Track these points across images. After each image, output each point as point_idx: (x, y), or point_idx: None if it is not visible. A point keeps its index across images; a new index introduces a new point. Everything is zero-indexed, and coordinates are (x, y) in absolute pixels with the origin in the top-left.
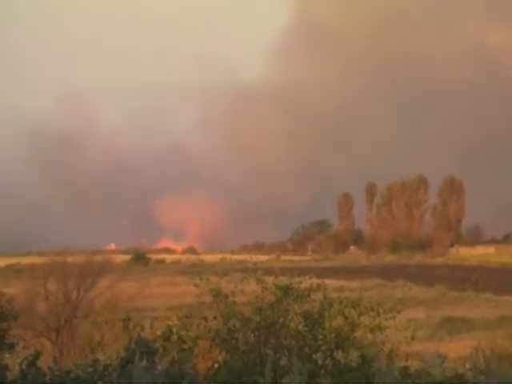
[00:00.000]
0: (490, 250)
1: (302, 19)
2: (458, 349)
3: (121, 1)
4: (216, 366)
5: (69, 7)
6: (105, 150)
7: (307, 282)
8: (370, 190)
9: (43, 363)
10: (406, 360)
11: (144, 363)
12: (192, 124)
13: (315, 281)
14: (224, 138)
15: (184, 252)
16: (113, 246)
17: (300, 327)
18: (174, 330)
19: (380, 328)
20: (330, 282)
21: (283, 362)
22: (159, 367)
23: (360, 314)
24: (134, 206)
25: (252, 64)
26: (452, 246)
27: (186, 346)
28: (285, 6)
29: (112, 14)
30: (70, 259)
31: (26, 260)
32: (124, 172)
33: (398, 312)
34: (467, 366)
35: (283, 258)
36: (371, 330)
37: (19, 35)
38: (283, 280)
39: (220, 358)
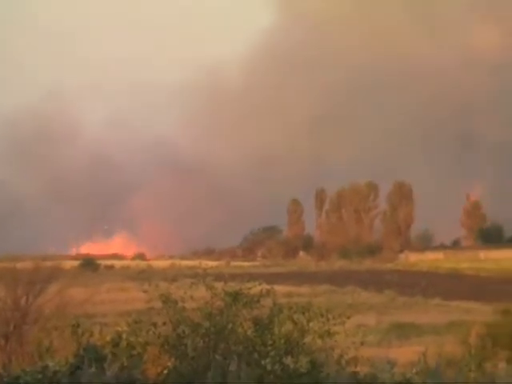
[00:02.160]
0: (439, 255)
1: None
2: (407, 354)
3: (107, 1)
4: (165, 371)
5: (55, 5)
6: (84, 149)
7: (257, 288)
8: (320, 196)
9: None
10: (356, 365)
11: (93, 369)
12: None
13: (265, 286)
14: (191, 143)
15: (133, 258)
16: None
17: (249, 333)
18: (124, 335)
19: (329, 334)
20: (280, 288)
21: (232, 367)
22: (108, 373)
23: (309, 320)
24: (84, 215)
25: (235, 64)
26: (401, 251)
27: (135, 352)
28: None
29: (98, 15)
30: (19, 265)
31: None
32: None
33: (348, 317)
34: (414, 370)
35: (233, 263)
36: (321, 336)
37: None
38: (233, 286)
39: (169, 364)
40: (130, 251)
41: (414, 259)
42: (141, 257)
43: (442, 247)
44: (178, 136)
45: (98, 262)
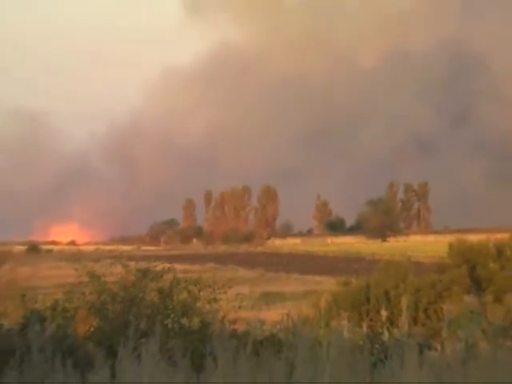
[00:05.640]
0: (298, 241)
1: None
2: (273, 315)
3: None
4: (91, 329)
5: None
6: None
7: (160, 266)
8: (208, 196)
9: None
10: (235, 324)
11: (37, 328)
12: None
13: (166, 265)
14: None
15: (68, 244)
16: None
17: (155, 300)
18: (60, 302)
19: (215, 300)
20: (178, 266)
21: (142, 326)
22: (48, 331)
23: (200, 290)
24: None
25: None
26: (269, 238)
27: (68, 315)
28: None
29: None
30: None
31: None
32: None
33: (229, 288)
34: (279, 327)
35: (143, 248)
36: (209, 302)
37: None
38: (143, 264)
39: (95, 324)
40: (67, 238)
41: (278, 244)
42: (73, 243)
43: (300, 234)
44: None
45: (40, 247)
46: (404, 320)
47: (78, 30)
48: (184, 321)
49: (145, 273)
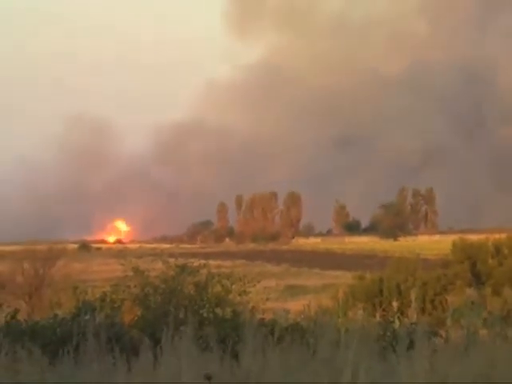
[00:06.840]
0: (318, 240)
1: None
2: (297, 306)
3: None
4: (136, 318)
5: None
6: None
7: (197, 262)
8: (239, 200)
9: (21, 317)
10: (263, 314)
11: (87, 317)
12: None
13: (202, 261)
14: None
15: (114, 243)
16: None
17: (192, 292)
18: (108, 294)
19: (245, 292)
20: (212, 262)
21: (181, 315)
22: (97, 319)
23: (232, 283)
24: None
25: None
26: (293, 237)
27: (115, 305)
28: None
29: None
30: (38, 247)
31: (8, 248)
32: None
33: (258, 281)
34: (302, 316)
35: (181, 246)
36: (239, 294)
37: None
38: (181, 261)
39: (139, 313)
40: (115, 237)
41: (301, 242)
42: (119, 242)
43: (320, 234)
44: None
45: (90, 245)
46: (413, 310)
47: (135, 50)
48: (218, 311)
49: (183, 268)
